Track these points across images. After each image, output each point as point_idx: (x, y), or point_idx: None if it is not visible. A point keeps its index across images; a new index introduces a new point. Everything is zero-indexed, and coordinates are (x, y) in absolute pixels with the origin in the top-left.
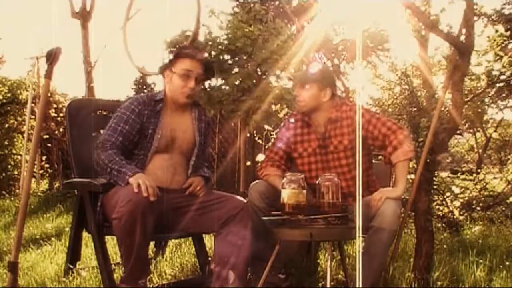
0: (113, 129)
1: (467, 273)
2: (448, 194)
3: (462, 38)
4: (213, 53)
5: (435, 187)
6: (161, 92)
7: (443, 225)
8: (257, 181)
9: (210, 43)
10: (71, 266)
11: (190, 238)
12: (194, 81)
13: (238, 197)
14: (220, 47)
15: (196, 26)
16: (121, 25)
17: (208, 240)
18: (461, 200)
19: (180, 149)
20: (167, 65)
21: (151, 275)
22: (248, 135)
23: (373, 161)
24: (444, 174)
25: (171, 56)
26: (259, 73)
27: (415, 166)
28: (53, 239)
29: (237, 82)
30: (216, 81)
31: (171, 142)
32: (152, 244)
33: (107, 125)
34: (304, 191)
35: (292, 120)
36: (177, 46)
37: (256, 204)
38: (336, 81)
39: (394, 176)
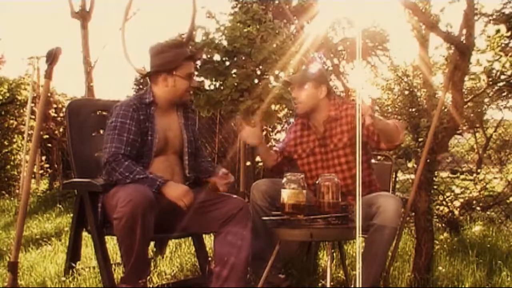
0: (118, 140)
1: (467, 273)
2: (448, 194)
3: (463, 38)
4: (211, 54)
5: (435, 187)
6: (147, 93)
7: (443, 225)
8: (259, 180)
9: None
10: (72, 266)
11: (190, 238)
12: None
13: (238, 197)
14: (218, 48)
15: (191, 27)
16: (120, 26)
17: (208, 240)
18: (461, 200)
19: (173, 149)
20: (165, 67)
21: (151, 275)
22: None
23: (373, 160)
24: (444, 174)
25: (170, 59)
26: (258, 73)
27: (415, 166)
28: (53, 239)
29: (235, 83)
30: (215, 82)
31: (165, 143)
32: (152, 244)
33: (105, 136)
34: (304, 191)
35: (291, 120)
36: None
37: (258, 203)
38: (329, 78)
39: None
